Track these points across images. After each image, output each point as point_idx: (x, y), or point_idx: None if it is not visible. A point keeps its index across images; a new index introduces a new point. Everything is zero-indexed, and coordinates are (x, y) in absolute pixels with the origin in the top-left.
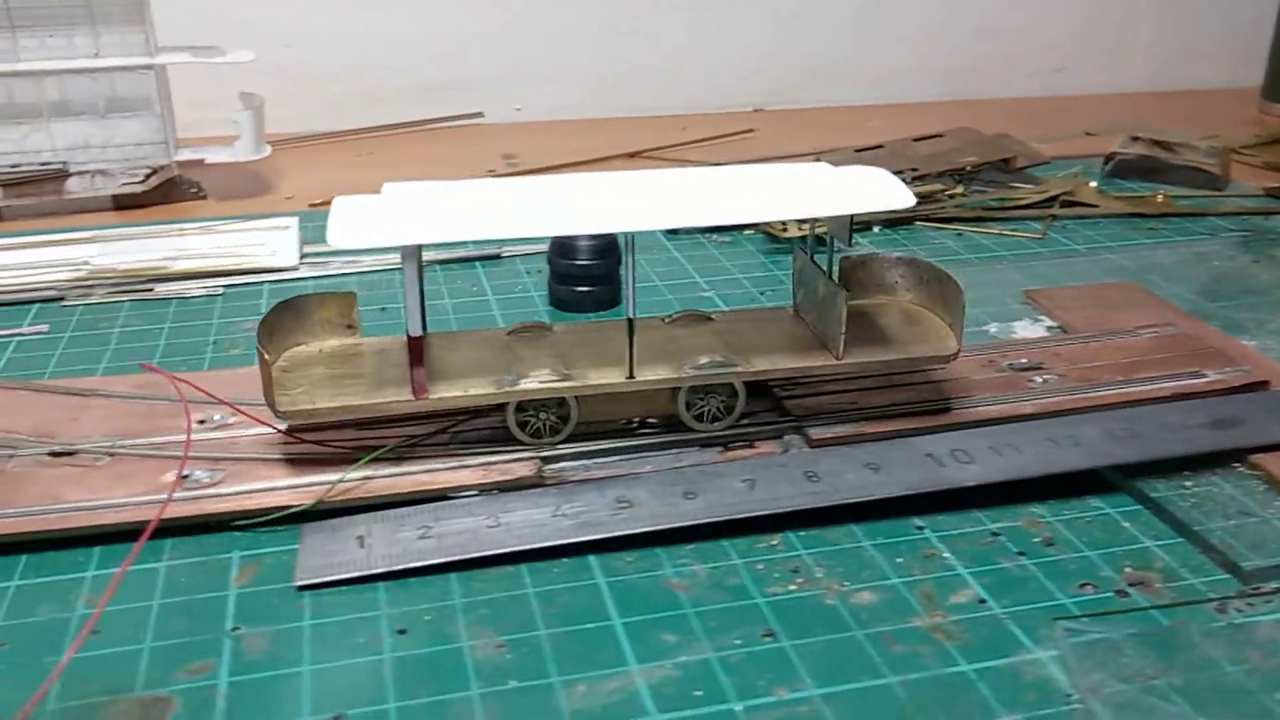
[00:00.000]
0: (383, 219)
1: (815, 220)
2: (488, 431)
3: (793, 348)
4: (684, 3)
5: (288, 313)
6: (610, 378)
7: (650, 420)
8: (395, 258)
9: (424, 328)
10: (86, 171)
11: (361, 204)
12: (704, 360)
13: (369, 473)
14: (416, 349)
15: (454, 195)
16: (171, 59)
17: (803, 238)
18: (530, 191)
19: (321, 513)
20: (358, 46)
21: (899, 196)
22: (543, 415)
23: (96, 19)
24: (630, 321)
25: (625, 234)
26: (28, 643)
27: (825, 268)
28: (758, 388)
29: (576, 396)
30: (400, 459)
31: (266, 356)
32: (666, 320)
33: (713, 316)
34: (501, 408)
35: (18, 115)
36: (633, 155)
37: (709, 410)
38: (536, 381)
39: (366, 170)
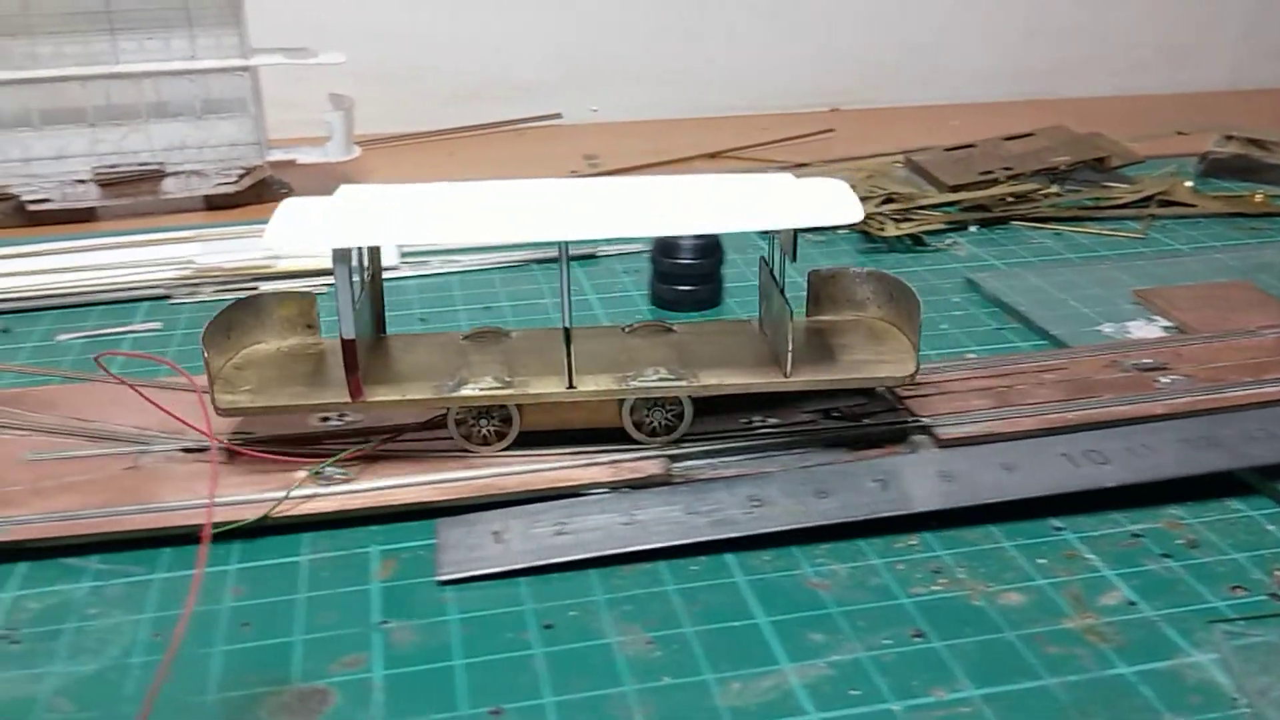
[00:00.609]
0: (320, 222)
1: (771, 232)
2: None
3: (747, 363)
4: (758, 2)
5: (248, 311)
6: (552, 387)
7: (597, 430)
8: (496, 256)
9: (378, 326)
10: (182, 172)
11: (307, 206)
12: (650, 373)
13: (498, 470)
14: (350, 351)
15: (404, 199)
16: (265, 60)
17: (897, 238)
18: (483, 197)
19: (454, 508)
20: (435, 47)
21: (846, 212)
22: (483, 422)
23: (193, 21)
24: (567, 331)
25: (561, 243)
26: (182, 634)
27: (780, 282)
28: (737, 400)
29: (518, 405)
30: (530, 456)
31: (207, 354)
32: (625, 330)
33: (674, 328)
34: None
35: (117, 116)
36: (714, 155)
37: (655, 423)
38: (476, 388)
39: (449, 171)
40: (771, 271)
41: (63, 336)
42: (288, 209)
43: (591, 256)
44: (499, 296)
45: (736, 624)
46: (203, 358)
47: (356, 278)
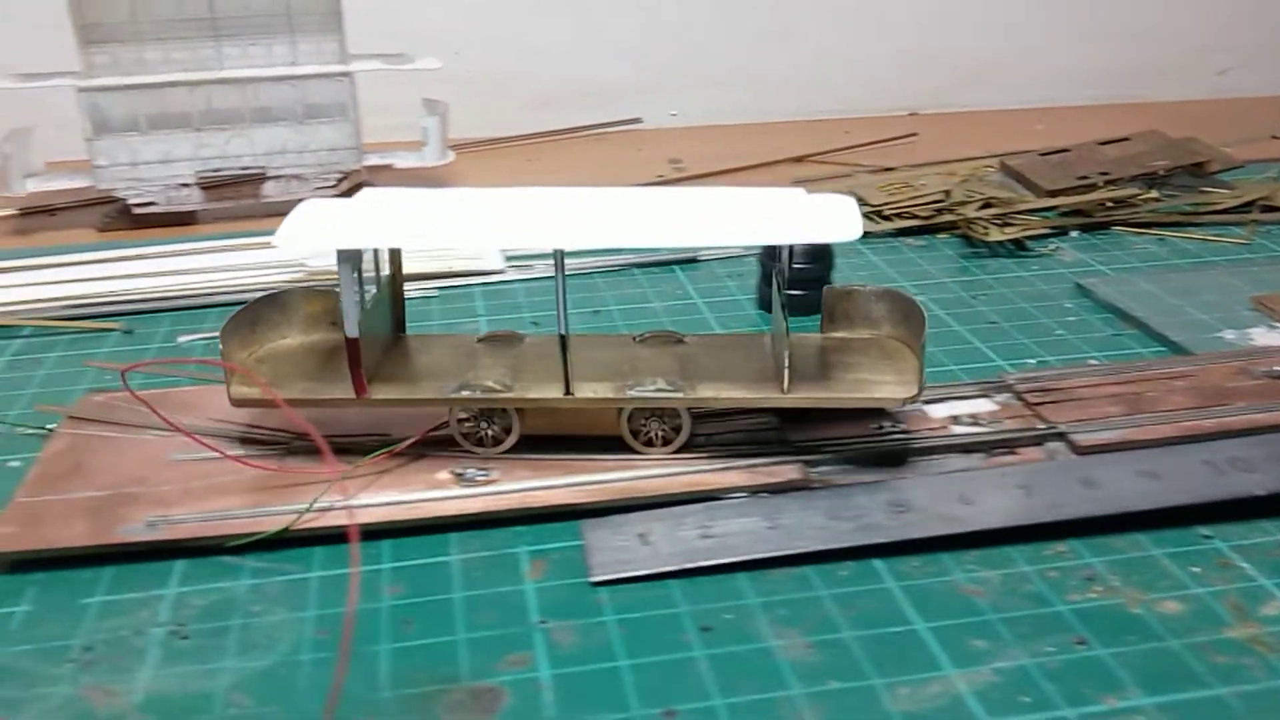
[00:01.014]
0: (327, 225)
1: (777, 247)
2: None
3: (749, 377)
4: (836, 5)
5: (274, 306)
6: (550, 393)
7: (593, 437)
8: (598, 260)
9: (396, 326)
10: (282, 175)
11: (322, 208)
12: (649, 383)
13: (639, 473)
14: (354, 350)
15: (420, 204)
16: (364, 66)
17: (1000, 242)
18: (496, 204)
19: (595, 510)
20: (517, 53)
21: (845, 229)
22: (483, 424)
23: (295, 28)
24: (563, 338)
25: (556, 251)
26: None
27: (782, 297)
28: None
29: (518, 409)
30: (667, 461)
31: (223, 347)
32: (636, 339)
33: (685, 339)
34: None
35: (220, 121)
36: (799, 160)
37: (653, 434)
38: (477, 391)
39: (535, 177)
40: (778, 286)
41: (184, 338)
42: (303, 211)
43: (693, 261)
44: (606, 300)
45: (895, 629)
46: (219, 349)
47: (370, 278)
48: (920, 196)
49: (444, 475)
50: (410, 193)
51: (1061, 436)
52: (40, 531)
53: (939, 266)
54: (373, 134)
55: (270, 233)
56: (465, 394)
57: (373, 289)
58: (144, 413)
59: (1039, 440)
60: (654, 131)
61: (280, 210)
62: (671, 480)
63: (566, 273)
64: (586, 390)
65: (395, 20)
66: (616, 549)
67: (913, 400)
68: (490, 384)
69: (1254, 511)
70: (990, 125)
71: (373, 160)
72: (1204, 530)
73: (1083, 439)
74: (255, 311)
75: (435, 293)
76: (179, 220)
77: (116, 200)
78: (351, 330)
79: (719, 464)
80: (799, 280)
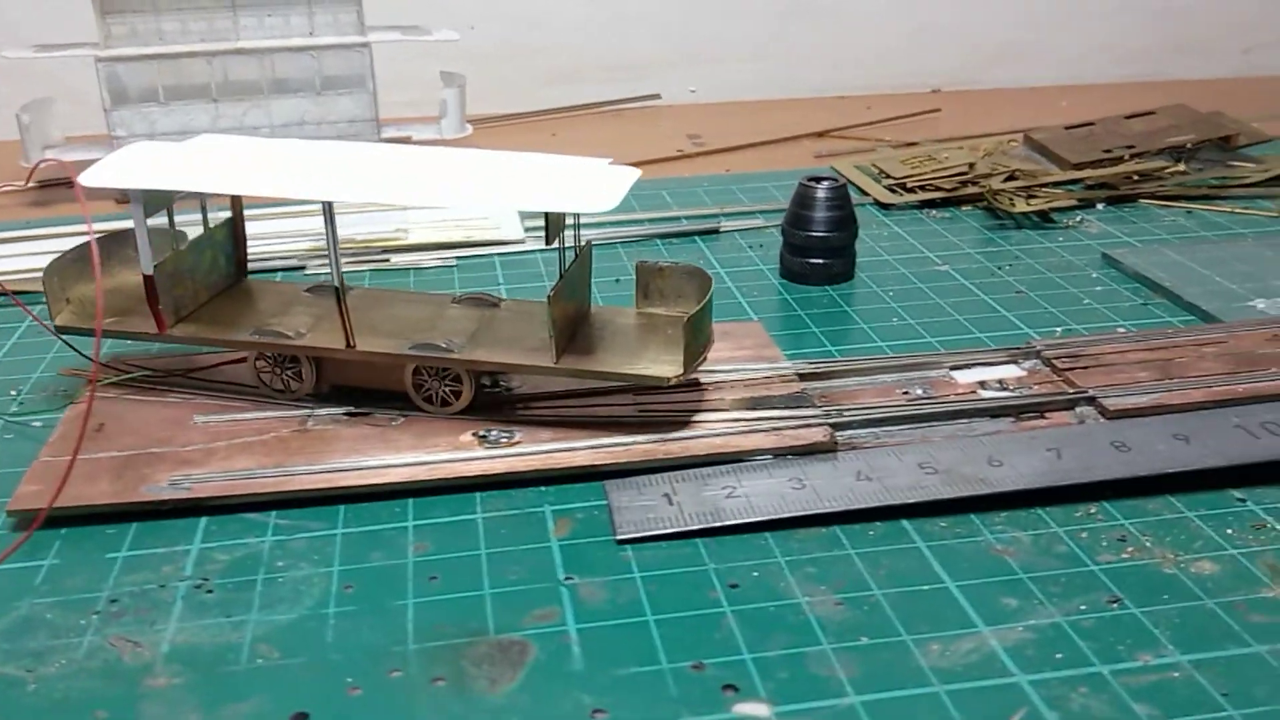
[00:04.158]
0: (133, 164)
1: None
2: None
3: (533, 345)
4: None
5: (125, 244)
6: (335, 343)
7: (390, 392)
8: (621, 231)
9: (239, 269)
10: None
11: (145, 151)
12: (431, 341)
13: (663, 435)
14: (149, 286)
15: (242, 151)
16: (382, 37)
17: (1025, 214)
18: (303, 156)
19: (622, 471)
20: (537, 28)
21: (595, 200)
22: (279, 370)
23: None
24: (338, 290)
25: (325, 204)
26: (372, 587)
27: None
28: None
29: (309, 357)
30: (686, 423)
31: (45, 280)
32: (454, 300)
33: (500, 302)
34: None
35: (238, 92)
36: (820, 135)
37: (436, 393)
38: (270, 336)
39: (553, 150)
40: (576, 253)
41: None
42: (128, 150)
43: (714, 231)
44: (627, 269)
45: (925, 587)
46: (44, 280)
47: (199, 220)
48: (944, 169)
49: (467, 437)
50: (247, 141)
51: (1091, 401)
52: (66, 490)
53: (964, 238)
54: (392, 109)
55: (305, 204)
56: (256, 337)
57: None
58: (166, 376)
59: (1069, 405)
60: (673, 107)
61: None
62: (696, 442)
63: (595, 242)
64: (370, 344)
65: None
66: (642, 508)
67: (678, 379)
68: (283, 330)
69: None
70: (1014, 102)
71: (392, 133)
72: (1237, 493)
73: (1113, 403)
74: (103, 247)
75: (455, 262)
76: None
77: None
78: (146, 268)
79: (744, 426)
80: (822, 248)
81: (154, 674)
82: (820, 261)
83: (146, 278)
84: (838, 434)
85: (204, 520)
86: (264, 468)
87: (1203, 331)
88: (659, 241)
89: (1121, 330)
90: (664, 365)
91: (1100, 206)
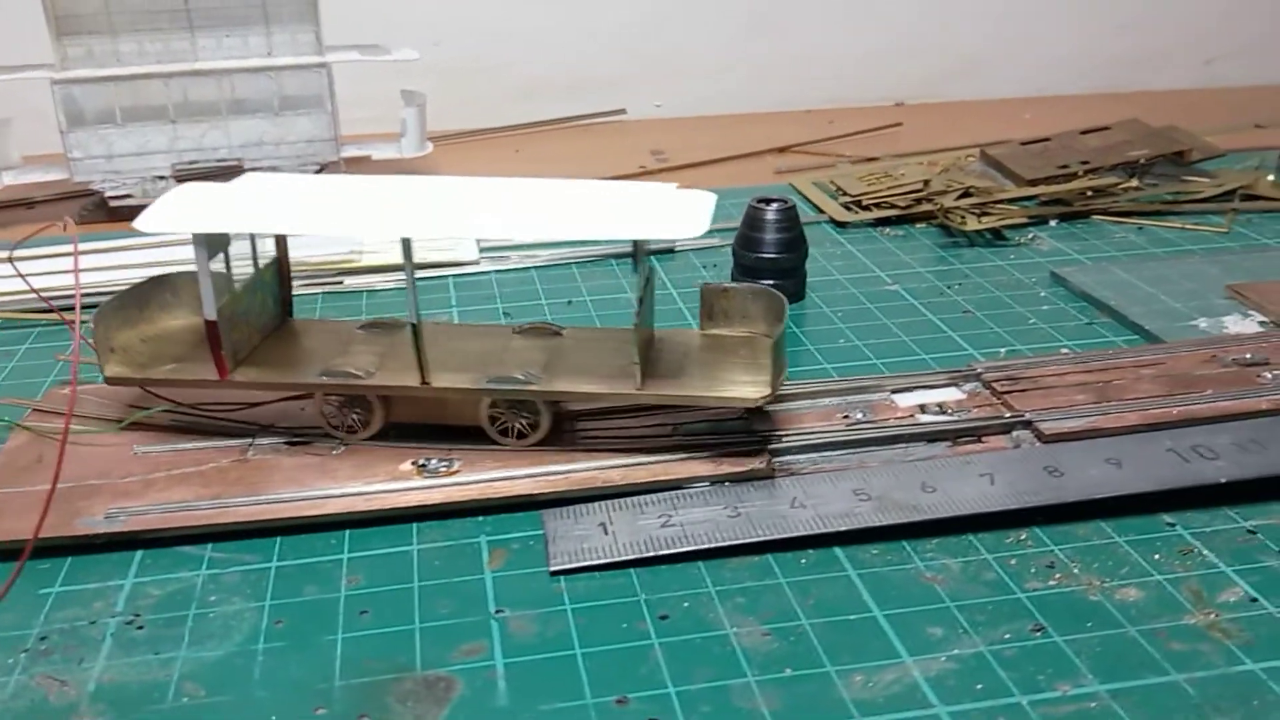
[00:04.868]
0: (191, 208)
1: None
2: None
3: (608, 372)
4: None
5: (164, 289)
6: (408, 380)
7: (459, 428)
8: (573, 251)
9: (285, 310)
10: (259, 168)
11: (196, 192)
12: (508, 374)
13: (602, 463)
14: (213, 332)
15: (291, 190)
16: (340, 57)
17: (978, 232)
18: (364, 192)
19: (560, 500)
20: (501, 44)
21: (686, 227)
22: (345, 410)
23: (270, 19)
24: (414, 327)
25: (405, 241)
26: (302, 621)
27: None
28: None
29: (379, 396)
30: (633, 450)
31: (95, 327)
32: (515, 330)
33: (562, 332)
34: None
35: (196, 113)
36: (782, 150)
37: (512, 426)
38: (339, 377)
39: (516, 166)
40: (647, 279)
41: None
42: (176, 193)
43: (669, 251)
44: (580, 290)
45: (853, 617)
46: (91, 328)
47: (249, 262)
48: (899, 186)
49: (406, 466)
50: (292, 179)
51: (1028, 425)
52: (1, 524)
53: (916, 256)
54: (354, 126)
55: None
56: (325, 379)
57: (251, 273)
58: (108, 405)
59: (1005, 429)
60: (638, 123)
61: None
62: (635, 470)
63: (542, 264)
64: (445, 379)
65: (374, 11)
66: (577, 538)
67: (766, 401)
68: (352, 370)
69: (1218, 499)
70: (977, 115)
71: (350, 151)
72: (1168, 518)
73: (1049, 427)
74: (144, 293)
75: (393, 286)
76: None
77: (94, 194)
78: (209, 313)
79: (683, 454)
80: (772, 270)
81: (79, 713)
82: (770, 283)
83: (209, 323)
84: (776, 460)
85: (139, 554)
86: (201, 499)
87: (1142, 352)
88: (614, 261)
89: (1065, 351)
90: (748, 387)
91: (1053, 223)
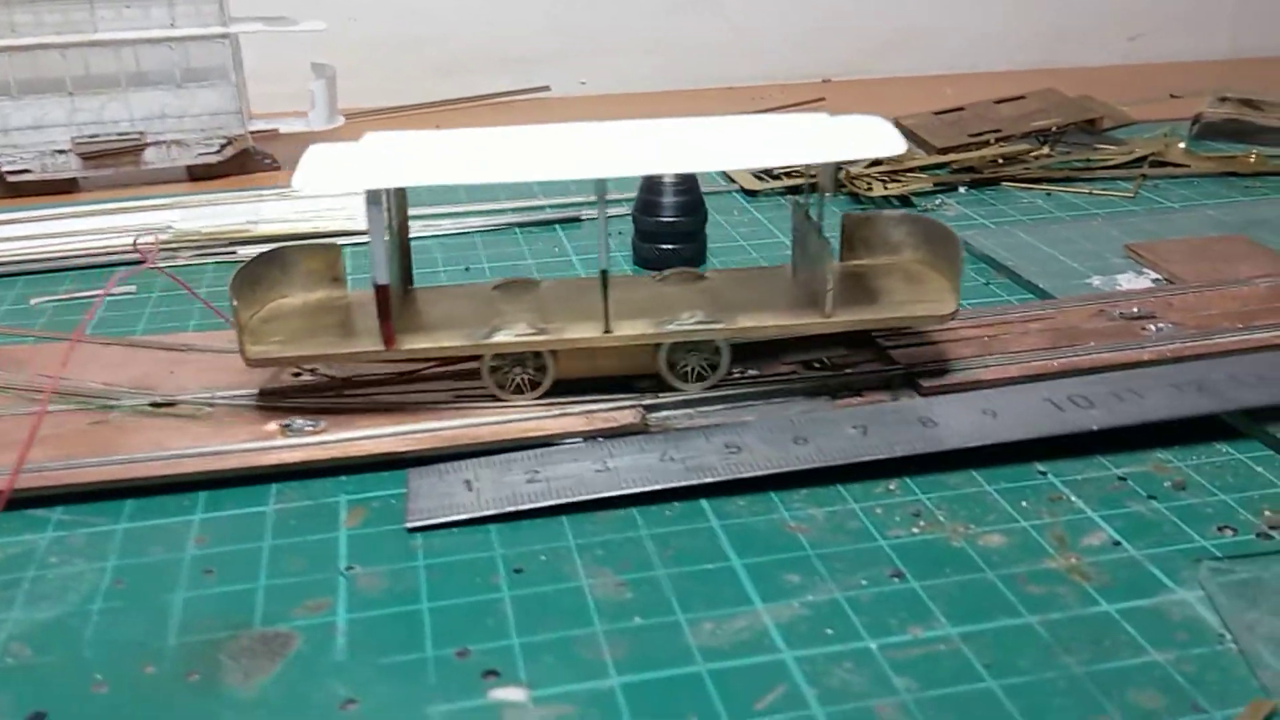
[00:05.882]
0: (350, 165)
1: (808, 168)
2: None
3: (783, 306)
4: None
5: (274, 265)
6: (587, 332)
7: (630, 377)
8: (476, 221)
9: (405, 278)
10: (163, 142)
11: (336, 151)
12: (686, 317)
13: (470, 420)
14: (383, 298)
15: (434, 143)
16: (245, 28)
17: (885, 198)
18: (510, 140)
19: (427, 458)
20: (423, 19)
21: (888, 145)
22: (518, 370)
23: None
24: (604, 274)
25: (599, 181)
26: (143, 581)
27: (818, 222)
28: (786, 344)
29: (553, 351)
30: (498, 407)
31: (235, 304)
32: (656, 278)
33: (706, 275)
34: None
35: (96, 86)
36: None
37: (692, 369)
38: (511, 335)
39: None
40: (806, 213)
41: (35, 300)
42: (315, 153)
43: (575, 220)
44: (480, 259)
45: (710, 566)
46: (231, 307)
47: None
48: None
49: (271, 426)
50: (415, 134)
51: (908, 380)
52: None
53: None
54: (270, 102)
55: (156, 197)
56: (500, 338)
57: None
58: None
59: (884, 384)
60: (561, 100)
61: (163, 178)
62: (505, 427)
63: (440, 233)
64: (625, 328)
65: None
66: (439, 495)
67: (953, 315)
68: (524, 327)
69: (1092, 448)
70: (901, 90)
71: (258, 126)
72: (1040, 466)
73: (928, 381)
74: (254, 271)
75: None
76: (59, 189)
77: None
78: (382, 277)
79: (555, 410)
80: (671, 234)
81: None
82: (670, 247)
83: (380, 287)
84: (653, 415)
85: None
86: (54, 460)
87: (1031, 308)
88: (517, 230)
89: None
90: (934, 304)
91: (962, 190)
